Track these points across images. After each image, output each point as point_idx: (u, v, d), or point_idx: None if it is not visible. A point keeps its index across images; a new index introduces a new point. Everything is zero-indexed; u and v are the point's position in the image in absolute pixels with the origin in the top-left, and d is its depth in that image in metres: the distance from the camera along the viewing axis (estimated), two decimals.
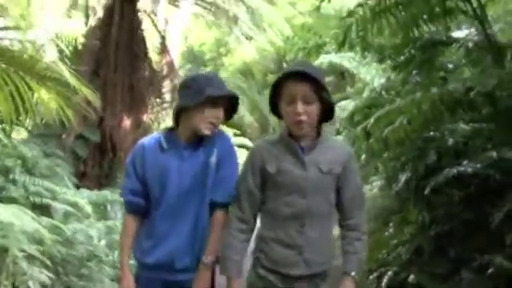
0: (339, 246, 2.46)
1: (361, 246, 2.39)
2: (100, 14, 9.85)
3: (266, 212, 2.40)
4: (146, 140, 2.58)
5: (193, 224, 2.44)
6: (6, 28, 5.65)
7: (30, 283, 3.59)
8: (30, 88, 5.46)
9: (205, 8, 10.70)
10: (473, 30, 4.33)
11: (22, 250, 3.86)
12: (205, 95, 2.39)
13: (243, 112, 18.32)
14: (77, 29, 11.12)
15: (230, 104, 2.51)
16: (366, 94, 6.56)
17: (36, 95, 5.96)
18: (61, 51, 9.01)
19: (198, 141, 2.48)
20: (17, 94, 5.24)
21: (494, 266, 3.82)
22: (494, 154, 3.67)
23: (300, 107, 2.22)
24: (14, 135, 7.64)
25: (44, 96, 5.74)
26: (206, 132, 2.44)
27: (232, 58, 21.26)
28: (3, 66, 5.06)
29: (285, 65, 19.47)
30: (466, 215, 4.26)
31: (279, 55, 16.80)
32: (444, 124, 3.99)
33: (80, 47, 10.13)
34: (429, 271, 4.13)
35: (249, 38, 12.40)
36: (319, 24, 6.20)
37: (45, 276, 3.91)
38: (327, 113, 2.34)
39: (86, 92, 6.06)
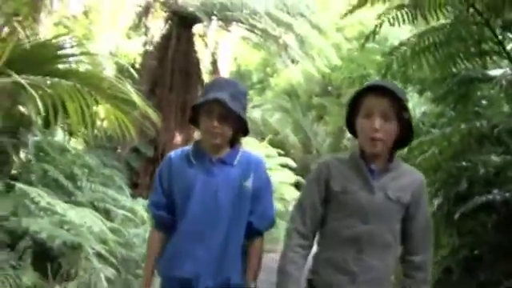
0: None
1: None
2: (157, 36, 10.56)
3: (325, 232, 2.29)
4: (173, 153, 2.55)
5: (222, 246, 2.38)
6: (80, 54, 6.27)
7: (101, 275, 4.11)
8: (97, 103, 6.08)
9: (256, 34, 11.25)
10: (508, 69, 4.64)
11: (92, 248, 4.41)
12: (192, 107, 2.47)
13: (287, 132, 18.77)
14: (134, 49, 11.90)
15: (238, 118, 2.40)
16: None
17: (100, 109, 6.60)
18: (121, 69, 9.66)
19: (227, 157, 2.46)
20: (85, 108, 5.84)
21: None
22: None
23: (377, 123, 2.11)
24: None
25: (108, 111, 6.33)
26: (212, 141, 2.41)
27: (278, 78, 21.74)
28: (78, 85, 5.68)
29: (330, 88, 19.89)
30: (495, 240, 4.55)
31: (325, 79, 17.20)
32: (473, 155, 4.33)
33: (137, 66, 10.87)
34: None
35: (295, 62, 12.89)
36: (363, 57, 6.63)
37: (109, 272, 4.45)
38: (404, 136, 2.21)
39: (147, 109, 6.63)
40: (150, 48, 10.47)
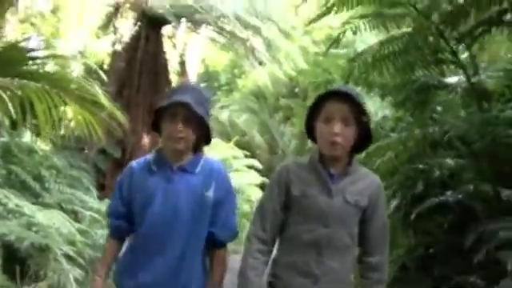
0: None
1: None
2: (126, 37, 10.59)
3: (285, 236, 2.31)
4: (135, 162, 2.49)
5: (180, 256, 2.34)
6: (49, 56, 6.30)
7: (70, 276, 4.18)
8: (65, 104, 6.13)
9: (224, 36, 11.39)
10: (461, 76, 4.90)
11: (60, 249, 4.47)
12: (155, 110, 2.40)
13: (254, 133, 18.94)
14: (103, 49, 11.89)
15: (201, 123, 2.38)
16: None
17: (68, 110, 6.64)
18: (89, 70, 9.67)
19: (189, 165, 2.41)
20: (53, 109, 5.89)
21: (470, 284, 4.38)
22: (471, 186, 4.25)
23: (337, 127, 2.15)
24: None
25: (75, 112, 6.38)
26: (174, 146, 2.35)
27: (246, 79, 21.86)
28: (46, 87, 5.72)
29: (297, 90, 20.14)
30: (448, 239, 4.81)
31: (292, 81, 17.41)
32: (428, 159, 4.58)
33: (105, 67, 10.89)
34: (411, 287, 4.68)
35: (263, 64, 13.07)
36: (329, 61, 6.83)
37: (77, 273, 4.51)
38: (363, 139, 2.26)
39: (116, 111, 6.70)
40: (118, 48, 10.49)
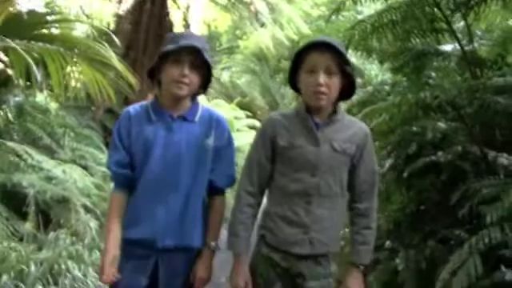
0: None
1: (370, 234, 2.32)
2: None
3: (273, 188, 2.32)
4: (132, 109, 2.41)
5: (182, 206, 2.32)
6: (63, 20, 6.50)
7: (92, 225, 4.55)
8: (76, 64, 6.39)
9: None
10: (456, 44, 5.15)
11: (78, 201, 4.84)
12: (160, 54, 2.30)
13: (255, 94, 19.14)
14: (107, 12, 11.99)
15: (206, 71, 2.36)
16: (368, 88, 7.36)
17: (79, 71, 6.90)
18: (99, 32, 9.81)
19: (188, 113, 2.38)
20: (66, 69, 6.15)
21: (455, 236, 4.75)
22: (460, 148, 4.57)
23: (321, 78, 2.15)
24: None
25: (88, 73, 6.63)
26: (177, 91, 2.28)
27: (247, 41, 21.82)
28: (60, 49, 5.96)
29: None
30: (438, 197, 5.15)
31: (294, 43, 17.49)
32: (421, 122, 4.89)
33: (111, 28, 11.03)
34: (402, 240, 5.05)
35: (265, 26, 13.19)
36: (330, 27, 7.05)
37: (95, 224, 4.89)
38: (347, 89, 2.27)
39: (127, 73, 6.93)
40: (124, 10, 10.63)
